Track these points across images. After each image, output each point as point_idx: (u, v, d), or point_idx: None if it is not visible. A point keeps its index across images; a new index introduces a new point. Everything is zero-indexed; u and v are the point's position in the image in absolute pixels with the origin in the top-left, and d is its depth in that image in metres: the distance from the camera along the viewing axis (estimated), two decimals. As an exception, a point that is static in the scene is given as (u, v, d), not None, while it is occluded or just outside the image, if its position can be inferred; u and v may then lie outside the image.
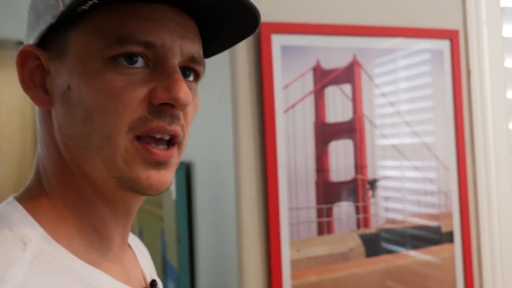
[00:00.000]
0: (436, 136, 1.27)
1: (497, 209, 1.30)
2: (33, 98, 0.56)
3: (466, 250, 1.26)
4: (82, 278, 0.53)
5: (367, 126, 1.20)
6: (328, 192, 1.16)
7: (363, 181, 1.19)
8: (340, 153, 1.18)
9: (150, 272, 0.70)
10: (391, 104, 1.23)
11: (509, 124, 1.33)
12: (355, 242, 1.17)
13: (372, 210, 1.19)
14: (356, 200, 1.18)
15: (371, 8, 1.23)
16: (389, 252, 1.20)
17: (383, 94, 1.22)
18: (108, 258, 0.59)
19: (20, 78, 0.56)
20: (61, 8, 0.52)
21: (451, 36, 1.29)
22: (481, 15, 1.32)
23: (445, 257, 1.24)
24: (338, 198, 1.17)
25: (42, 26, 0.54)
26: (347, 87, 1.19)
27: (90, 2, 0.49)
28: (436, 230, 1.25)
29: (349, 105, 1.19)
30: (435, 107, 1.27)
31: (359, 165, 1.19)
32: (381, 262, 1.19)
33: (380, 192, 1.20)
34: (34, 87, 0.56)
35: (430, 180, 1.25)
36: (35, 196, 0.57)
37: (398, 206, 1.22)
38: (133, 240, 0.73)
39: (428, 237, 1.24)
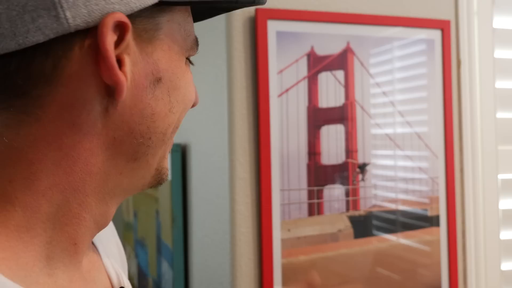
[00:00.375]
0: (428, 125, 1.30)
1: (482, 195, 1.34)
2: (118, 85, 0.44)
3: (451, 233, 1.30)
4: None
5: (358, 111, 1.24)
6: (319, 175, 1.20)
7: (353, 165, 1.23)
8: (332, 137, 1.21)
9: (117, 271, 0.58)
10: (384, 93, 1.27)
11: (497, 113, 1.37)
12: (344, 224, 1.21)
13: (361, 193, 1.23)
14: (346, 183, 1.22)
15: (365, -3, 1.26)
16: (377, 234, 1.24)
17: (377, 84, 1.26)
18: (74, 278, 0.49)
19: (107, 53, 0.43)
20: None
21: (443, 26, 1.32)
22: (473, 6, 1.35)
23: (430, 240, 1.29)
24: (328, 181, 1.21)
25: None
26: (340, 74, 1.23)
27: None
28: (423, 214, 1.29)
29: (341, 91, 1.23)
30: (427, 96, 1.31)
31: (350, 150, 1.23)
32: (369, 244, 1.23)
33: (370, 177, 1.24)
34: (115, 64, 0.44)
35: (419, 167, 1.29)
36: None
37: (387, 190, 1.26)
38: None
39: (415, 220, 1.28)
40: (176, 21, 0.49)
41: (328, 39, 1.22)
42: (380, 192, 1.25)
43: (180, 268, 1.42)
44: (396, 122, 1.27)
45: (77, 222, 0.47)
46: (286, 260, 1.16)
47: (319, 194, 1.20)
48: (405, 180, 1.28)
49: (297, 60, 1.19)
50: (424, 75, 1.30)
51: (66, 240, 0.47)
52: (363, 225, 1.22)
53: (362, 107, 1.24)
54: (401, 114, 1.28)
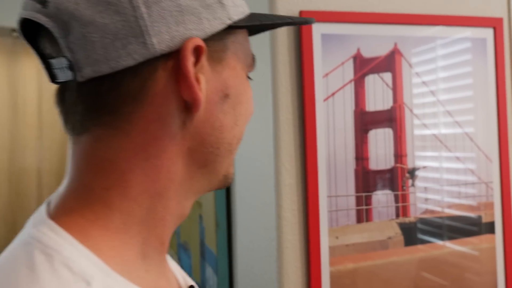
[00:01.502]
0: (477, 126, 1.25)
1: (540, 200, 1.28)
2: (196, 101, 0.49)
3: (507, 240, 1.25)
4: None
5: (407, 115, 1.20)
6: (367, 181, 1.17)
7: (403, 170, 1.19)
8: (380, 142, 1.18)
9: (181, 272, 0.64)
10: (432, 93, 1.22)
11: (554, 113, 1.31)
12: (394, 231, 1.17)
13: (411, 199, 1.19)
14: (395, 189, 1.18)
15: (413, -4, 1.22)
16: (428, 242, 1.20)
17: (424, 83, 1.21)
18: (161, 275, 0.55)
19: (188, 74, 0.48)
20: (243, 9, 0.54)
21: (495, 24, 1.27)
22: (527, 2, 1.29)
23: (485, 248, 1.24)
24: (377, 187, 1.17)
25: (213, 22, 0.50)
26: (387, 76, 1.19)
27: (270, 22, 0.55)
28: (476, 220, 1.24)
29: (389, 93, 1.19)
30: (476, 96, 1.25)
31: (399, 154, 1.19)
32: (419, 251, 1.19)
33: (420, 182, 1.20)
34: (195, 82, 0.49)
35: (471, 171, 1.24)
36: (81, 219, 0.49)
37: (437, 196, 1.22)
38: None
39: (468, 227, 1.24)
40: (239, 41, 0.55)
41: (375, 40, 1.18)
42: (430, 197, 1.21)
43: (224, 274, 1.41)
44: (446, 123, 1.23)
45: (163, 224, 0.53)
46: (334, 268, 1.13)
47: (368, 201, 1.16)
48: (457, 185, 1.23)
49: (343, 63, 1.16)
50: (472, 74, 1.25)
51: (156, 240, 0.53)
52: (414, 232, 1.18)
53: (411, 110, 1.20)
54: (450, 114, 1.23)
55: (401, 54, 1.20)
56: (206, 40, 0.49)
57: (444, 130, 1.22)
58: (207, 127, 0.52)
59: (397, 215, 1.18)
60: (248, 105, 0.57)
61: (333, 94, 1.15)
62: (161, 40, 0.47)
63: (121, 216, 0.50)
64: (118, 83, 0.47)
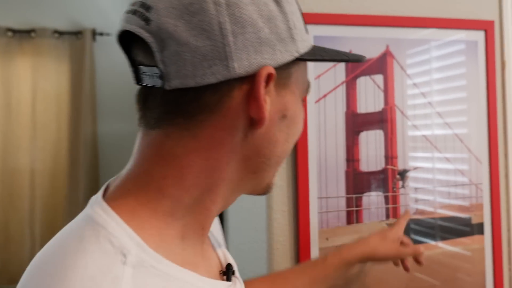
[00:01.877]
0: (469, 127, 1.26)
1: (530, 202, 1.29)
2: (261, 119, 0.58)
3: (496, 242, 1.25)
4: (177, 282, 0.56)
5: (398, 116, 1.20)
6: (357, 182, 1.17)
7: (393, 171, 1.19)
8: (371, 143, 1.18)
9: (223, 251, 0.73)
10: (423, 95, 1.23)
11: (544, 116, 1.32)
12: (384, 232, 1.18)
13: (401, 200, 1.20)
14: (386, 190, 1.19)
15: (404, -1, 1.22)
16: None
17: (416, 85, 1.22)
18: (198, 254, 0.62)
19: (260, 97, 0.57)
20: (308, 43, 0.62)
21: (486, 26, 1.27)
22: (517, 6, 1.30)
23: (474, 249, 1.24)
24: (367, 188, 1.18)
25: (284, 53, 0.58)
26: (379, 78, 1.19)
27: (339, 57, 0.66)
28: (466, 221, 1.24)
29: (380, 95, 1.19)
30: (468, 98, 1.26)
31: (390, 156, 1.19)
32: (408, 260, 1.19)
33: (410, 183, 1.21)
34: (264, 104, 0.57)
35: (461, 172, 1.25)
36: (134, 201, 0.58)
37: (428, 197, 1.22)
38: None
39: (457, 228, 1.24)
40: (301, 70, 0.63)
41: (367, 42, 1.18)
42: (421, 198, 1.21)
43: (216, 275, 1.41)
44: (437, 124, 1.23)
45: (206, 213, 0.61)
46: (325, 269, 1.13)
47: (358, 202, 1.17)
48: (448, 186, 1.24)
49: (334, 65, 1.16)
50: (464, 76, 1.26)
51: (197, 225, 0.61)
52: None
53: (402, 112, 1.20)
54: (441, 116, 1.23)
55: (392, 56, 1.20)
56: (276, 68, 0.57)
57: (435, 132, 1.23)
58: (264, 141, 0.60)
59: (388, 216, 1.18)
60: (299, 126, 0.65)
61: (324, 96, 1.15)
62: (241, 65, 0.55)
63: (171, 202, 0.58)
64: (200, 96, 0.56)
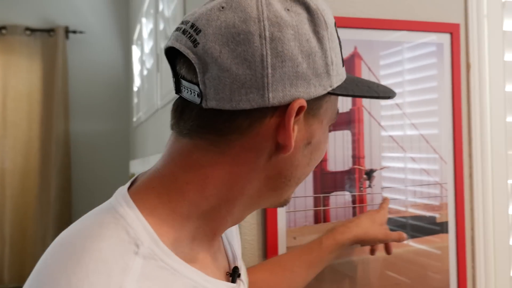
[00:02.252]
0: (435, 128, 1.28)
1: (492, 201, 1.32)
2: (288, 146, 0.62)
3: (459, 240, 1.28)
4: (182, 277, 0.60)
5: (365, 117, 1.22)
6: (325, 182, 1.18)
7: (360, 171, 1.21)
8: (339, 143, 1.20)
9: (233, 252, 0.77)
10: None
11: (507, 117, 1.35)
12: (351, 231, 1.19)
13: (368, 199, 1.22)
14: (353, 190, 1.21)
15: (372, 1, 1.24)
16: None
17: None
18: (206, 255, 0.67)
19: (289, 127, 0.61)
20: (342, 76, 0.67)
21: (452, 29, 1.30)
22: (482, 9, 1.33)
23: (440, 246, 1.27)
24: (335, 188, 1.19)
25: (318, 88, 0.63)
26: (346, 79, 1.21)
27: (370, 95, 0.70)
28: (432, 220, 1.27)
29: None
30: (436, 99, 1.29)
31: (357, 156, 1.21)
32: (377, 250, 1.21)
33: (377, 182, 1.22)
34: (292, 134, 0.62)
35: (427, 172, 1.27)
36: (156, 198, 0.63)
37: (395, 196, 1.24)
38: None
39: (425, 227, 1.27)
40: (332, 101, 0.68)
41: (335, 43, 1.20)
42: (388, 197, 1.23)
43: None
44: (403, 124, 1.26)
45: (220, 222, 0.66)
46: (292, 268, 1.14)
47: (325, 201, 1.18)
48: (414, 186, 1.26)
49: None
50: (434, 77, 1.29)
51: (209, 230, 0.66)
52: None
53: (369, 113, 1.22)
54: (408, 117, 1.26)
55: (360, 58, 1.22)
56: (308, 100, 0.62)
57: (402, 132, 1.25)
58: (286, 164, 0.65)
59: (355, 215, 1.20)
60: (322, 152, 0.70)
61: (292, 96, 1.16)
62: (275, 96, 0.59)
63: (189, 206, 0.63)
64: (233, 119, 0.61)
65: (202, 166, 0.63)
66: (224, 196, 0.64)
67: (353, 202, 1.21)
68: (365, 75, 1.22)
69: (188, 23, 0.62)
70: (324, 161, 1.18)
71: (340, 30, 1.19)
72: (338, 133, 1.20)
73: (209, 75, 0.60)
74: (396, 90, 1.25)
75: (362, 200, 1.21)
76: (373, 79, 1.23)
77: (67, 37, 3.81)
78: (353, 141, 1.21)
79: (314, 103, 0.64)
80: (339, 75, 0.66)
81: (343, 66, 0.68)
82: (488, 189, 1.32)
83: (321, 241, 1.04)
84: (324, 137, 0.69)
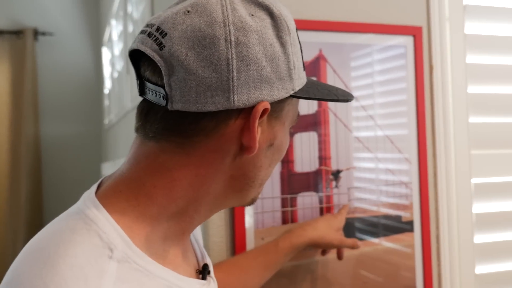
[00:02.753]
0: (405, 129, 1.31)
1: (456, 200, 1.35)
2: (252, 148, 0.64)
3: (425, 238, 1.31)
4: (156, 278, 0.62)
5: (331, 118, 1.24)
6: (292, 183, 1.20)
7: (327, 172, 1.23)
8: (305, 145, 1.21)
9: (201, 250, 0.79)
10: (356, 98, 1.27)
11: (469, 118, 1.38)
12: (318, 231, 1.21)
13: (335, 200, 1.24)
14: (319, 190, 1.22)
15: (336, 4, 1.26)
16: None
17: (348, 88, 1.26)
18: (178, 254, 0.69)
19: (254, 128, 0.63)
20: (303, 80, 0.70)
21: (415, 32, 1.33)
22: (444, 12, 1.36)
23: (409, 245, 1.29)
24: (302, 188, 1.21)
25: (281, 91, 0.65)
26: (312, 81, 1.23)
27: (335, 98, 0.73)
28: (397, 219, 1.29)
29: (314, 98, 1.22)
30: (405, 101, 1.31)
31: (323, 157, 1.23)
32: (329, 253, 1.21)
33: (344, 183, 1.24)
34: (256, 135, 0.64)
35: (392, 171, 1.30)
36: (125, 202, 0.64)
37: (361, 196, 1.26)
38: None
39: (392, 225, 1.29)
40: (293, 103, 0.70)
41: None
42: (354, 199, 1.25)
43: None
44: (370, 127, 1.28)
45: (189, 221, 0.68)
46: (260, 269, 1.15)
47: (293, 202, 1.20)
48: (380, 186, 1.28)
49: (269, 68, 1.19)
50: (402, 79, 1.31)
51: (179, 230, 0.68)
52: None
53: (335, 114, 1.24)
54: (378, 118, 1.28)
55: (325, 60, 1.24)
56: (271, 103, 0.64)
57: (367, 133, 1.27)
58: (250, 165, 0.67)
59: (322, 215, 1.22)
60: (283, 153, 0.73)
61: (259, 98, 1.17)
62: (240, 98, 0.61)
63: (158, 208, 0.64)
64: (199, 121, 0.62)
65: (168, 169, 0.64)
66: (192, 197, 0.66)
67: (320, 202, 1.22)
68: (330, 77, 1.24)
69: (153, 26, 0.63)
70: (291, 162, 1.20)
71: (305, 33, 1.21)
72: (305, 135, 1.21)
73: (175, 78, 0.61)
74: (366, 92, 1.27)
75: (329, 200, 1.23)
76: (338, 81, 1.25)
77: (36, 38, 3.76)
78: (320, 142, 1.23)
79: (277, 106, 0.66)
80: (300, 79, 0.68)
81: (304, 70, 0.71)
82: (452, 188, 1.35)
83: (277, 243, 1.06)
84: (285, 139, 0.72)
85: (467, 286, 1.35)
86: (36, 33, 3.80)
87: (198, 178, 0.65)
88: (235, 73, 0.61)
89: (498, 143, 1.43)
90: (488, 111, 1.42)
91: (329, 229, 1.11)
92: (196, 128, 0.63)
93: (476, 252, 1.38)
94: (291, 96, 0.67)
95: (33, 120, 3.76)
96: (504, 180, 1.42)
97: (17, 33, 3.79)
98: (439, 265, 1.34)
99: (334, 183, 1.24)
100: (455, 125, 1.36)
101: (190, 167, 0.65)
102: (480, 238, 1.39)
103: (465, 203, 1.37)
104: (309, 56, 1.22)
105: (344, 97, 0.75)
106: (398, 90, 1.32)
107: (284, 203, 1.19)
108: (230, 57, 0.60)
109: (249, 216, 1.15)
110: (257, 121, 0.63)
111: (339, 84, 1.25)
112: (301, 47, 0.71)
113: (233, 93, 0.61)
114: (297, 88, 0.67)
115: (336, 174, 1.24)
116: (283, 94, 0.65)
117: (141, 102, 0.67)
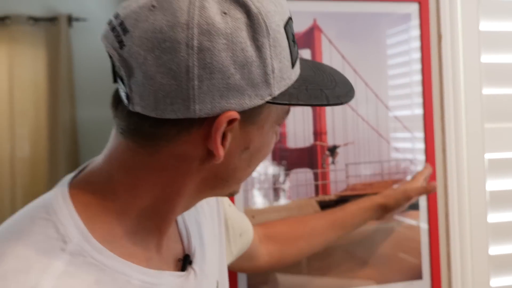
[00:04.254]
0: (402, 102, 1.24)
1: (468, 177, 1.27)
2: (217, 156, 0.60)
3: (432, 217, 1.24)
4: (110, 272, 0.59)
5: (328, 92, 1.18)
6: (285, 159, 1.15)
7: (322, 147, 1.18)
8: (299, 119, 1.16)
9: (189, 238, 0.74)
10: (355, 71, 1.20)
11: (483, 89, 1.29)
12: (313, 209, 1.16)
13: (331, 176, 1.18)
14: (315, 166, 1.17)
15: (333, -29, 1.19)
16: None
17: (345, 58, 1.20)
18: (151, 248, 0.66)
19: (216, 140, 0.58)
20: (289, 81, 0.61)
21: (420, -1, 1.24)
22: (454, -23, 1.27)
23: (409, 225, 1.23)
24: (295, 165, 1.16)
25: (254, 98, 0.58)
26: (306, 52, 1.17)
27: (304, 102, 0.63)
28: (400, 197, 1.23)
29: (308, 70, 1.17)
30: (403, 74, 1.24)
31: (318, 132, 1.17)
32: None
33: (341, 159, 1.19)
34: (220, 146, 0.59)
35: (395, 148, 1.23)
36: (91, 194, 0.62)
37: (361, 172, 1.20)
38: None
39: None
40: (274, 106, 0.63)
41: (293, 17, 1.16)
42: (353, 175, 1.20)
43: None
44: (369, 99, 1.21)
45: (163, 218, 0.65)
46: (252, 248, 1.12)
47: (285, 179, 1.15)
48: (380, 162, 1.22)
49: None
50: (405, 53, 1.24)
51: (153, 225, 0.65)
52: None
53: (332, 87, 1.18)
54: (373, 92, 1.21)
55: (320, 30, 1.18)
56: (242, 111, 0.58)
57: (367, 107, 1.21)
58: (222, 168, 0.62)
59: (317, 193, 1.17)
60: (266, 152, 0.67)
61: (249, 71, 1.13)
62: (202, 108, 0.56)
63: (122, 204, 0.62)
64: (159, 126, 0.58)
65: (132, 167, 0.62)
66: (161, 196, 0.63)
67: (316, 179, 1.17)
68: (326, 48, 1.18)
69: (118, 17, 0.58)
70: (283, 138, 1.15)
71: (298, 3, 1.16)
72: (298, 109, 1.16)
73: (134, 80, 0.57)
74: (354, 64, 1.20)
75: (325, 177, 1.18)
76: (334, 52, 1.19)
77: (70, 25, 3.82)
78: (314, 117, 1.17)
79: (251, 112, 0.60)
80: (284, 80, 0.60)
81: (293, 67, 0.62)
82: (463, 164, 1.27)
83: (345, 206, 1.10)
84: (266, 140, 0.66)
85: (479, 268, 1.27)
86: (70, 19, 3.86)
87: (165, 180, 0.62)
88: (196, 82, 0.55)
89: (516, 116, 1.33)
90: (503, 81, 1.32)
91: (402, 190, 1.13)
92: (158, 133, 0.59)
93: (490, 232, 1.29)
94: (268, 102, 0.60)
95: (69, 106, 3.83)
96: (521, 156, 1.32)
97: (52, 20, 3.85)
98: (448, 245, 1.26)
99: (330, 159, 1.18)
100: (467, 97, 1.28)
101: (155, 169, 0.62)
102: (494, 217, 1.30)
103: (477, 180, 1.28)
104: (302, 27, 1.16)
105: (338, 99, 0.65)
106: (402, 63, 1.24)
107: (276, 180, 1.14)
108: (191, 64, 0.55)
109: (238, 194, 1.11)
110: (220, 132, 0.58)
111: (335, 56, 1.19)
112: (293, 40, 0.62)
113: (194, 102, 0.56)
114: (277, 93, 0.60)
115: (333, 150, 1.18)
116: (256, 102, 0.58)
117: (116, 91, 0.63)
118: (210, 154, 0.60)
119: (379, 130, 1.22)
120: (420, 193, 1.13)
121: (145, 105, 0.57)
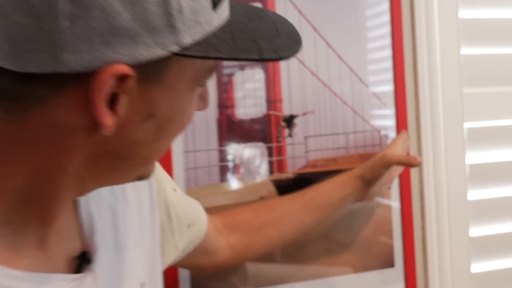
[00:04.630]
0: (369, 66, 1.08)
1: (445, 148, 1.13)
2: (102, 126, 0.46)
3: (404, 195, 1.10)
4: None
5: (283, 53, 1.02)
6: (233, 132, 0.99)
7: (277, 118, 1.02)
8: (249, 86, 1.00)
9: (93, 232, 0.60)
10: (314, 29, 1.04)
11: (461, 49, 1.14)
12: (267, 190, 1.01)
13: (288, 152, 1.02)
14: (268, 140, 1.01)
15: None
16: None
17: (303, 15, 1.03)
18: (30, 242, 0.52)
19: (100, 103, 0.45)
20: (208, 26, 0.48)
21: None
22: None
23: (378, 205, 1.08)
24: (246, 139, 1.00)
25: (153, 47, 0.45)
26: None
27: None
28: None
29: (260, 28, 1.01)
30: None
31: (272, 100, 1.01)
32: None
33: (299, 131, 1.03)
34: (105, 109, 0.45)
35: (362, 117, 1.07)
36: None
37: (321, 146, 1.05)
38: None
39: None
40: (189, 60, 0.49)
41: (240, -36, 0.99)
42: (313, 149, 1.04)
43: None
44: (332, 60, 1.05)
45: (46, 205, 0.52)
46: (195, 236, 0.96)
47: (234, 155, 0.99)
48: (345, 134, 1.06)
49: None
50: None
51: (33, 214, 0.51)
52: (292, 190, 1.01)
53: (287, 48, 1.02)
54: (335, 51, 1.05)
55: (273, -20, 1.01)
56: (137, 65, 0.45)
57: (329, 70, 1.05)
58: (117, 141, 0.49)
59: (271, 172, 1.01)
60: (182, 122, 0.54)
61: (189, 29, 0.96)
62: (77, 59, 0.43)
63: None
64: (23, 82, 0.44)
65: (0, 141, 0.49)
66: (37, 176, 0.50)
67: (270, 154, 1.01)
68: (279, 3, 1.01)
69: None
70: (231, 107, 0.99)
71: None
72: (248, 73, 1.00)
73: None
74: (314, 23, 1.05)
75: (280, 152, 1.02)
76: (290, 8, 1.02)
77: None
78: (267, 82, 1.01)
79: (152, 67, 0.46)
80: (199, 25, 0.47)
81: (215, 8, 0.48)
82: (439, 134, 1.12)
83: (319, 184, 0.95)
84: (180, 106, 0.52)
85: (459, 252, 1.14)
86: None
87: (40, 155, 0.49)
88: (65, 22, 0.42)
89: (498, 79, 1.18)
90: (484, 40, 1.17)
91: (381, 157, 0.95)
92: (23, 94, 0.45)
93: (470, 211, 1.15)
94: (176, 54, 0.46)
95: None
96: (503, 124, 1.18)
97: None
98: (423, 227, 1.12)
99: (287, 131, 1.02)
100: (443, 57, 1.13)
101: (26, 142, 0.48)
102: (475, 194, 1.16)
103: (456, 152, 1.14)
104: (251, -24, 0.99)
105: (275, 52, 0.51)
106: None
107: (223, 156, 0.98)
108: None
109: (178, 173, 0.95)
110: (103, 92, 0.44)
111: (291, 11, 1.02)
112: None
113: (63, 50, 0.42)
114: (188, 41, 0.46)
115: (290, 120, 1.02)
116: (157, 53, 0.45)
117: None
118: (97, 123, 0.46)
119: (343, 97, 1.06)
120: (401, 161, 0.94)
121: (3, 55, 0.43)
